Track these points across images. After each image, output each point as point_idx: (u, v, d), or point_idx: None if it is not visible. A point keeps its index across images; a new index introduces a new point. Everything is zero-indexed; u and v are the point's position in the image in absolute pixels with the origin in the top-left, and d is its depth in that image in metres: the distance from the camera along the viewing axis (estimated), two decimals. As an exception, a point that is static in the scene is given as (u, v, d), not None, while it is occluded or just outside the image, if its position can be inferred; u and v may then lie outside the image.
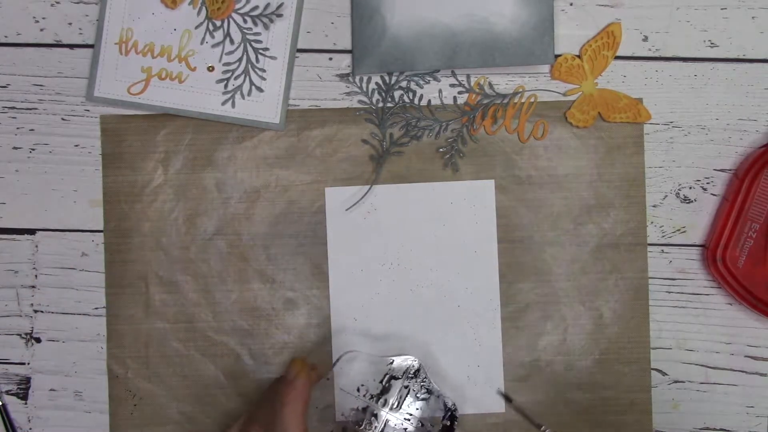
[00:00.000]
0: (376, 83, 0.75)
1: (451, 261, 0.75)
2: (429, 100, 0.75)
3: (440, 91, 0.75)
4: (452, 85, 0.75)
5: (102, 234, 0.76)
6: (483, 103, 0.74)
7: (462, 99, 0.75)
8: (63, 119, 0.75)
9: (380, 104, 0.75)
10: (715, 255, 0.73)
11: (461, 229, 0.75)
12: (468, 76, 0.75)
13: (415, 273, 0.75)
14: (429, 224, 0.75)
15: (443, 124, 0.75)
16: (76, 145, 0.75)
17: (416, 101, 0.75)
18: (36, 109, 0.75)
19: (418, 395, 0.71)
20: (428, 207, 0.75)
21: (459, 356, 0.75)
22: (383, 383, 0.72)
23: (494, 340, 0.75)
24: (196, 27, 0.74)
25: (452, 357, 0.75)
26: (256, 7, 0.74)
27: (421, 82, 0.75)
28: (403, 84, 0.75)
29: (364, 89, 0.75)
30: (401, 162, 0.75)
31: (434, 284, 0.75)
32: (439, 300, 0.75)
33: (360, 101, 0.75)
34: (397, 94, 0.75)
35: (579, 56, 0.74)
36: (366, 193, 0.75)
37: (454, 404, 0.71)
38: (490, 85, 0.75)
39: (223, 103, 0.74)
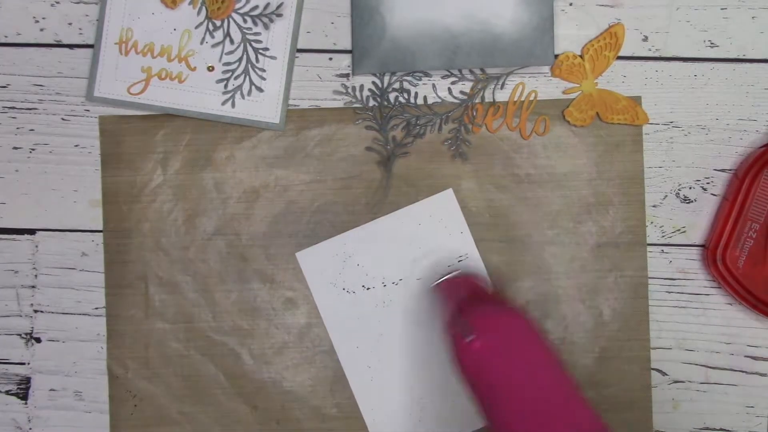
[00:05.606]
0: (369, 89, 0.74)
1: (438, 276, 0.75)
2: (425, 96, 0.74)
3: (434, 85, 0.74)
4: (444, 77, 0.74)
5: (102, 234, 0.76)
6: (479, 88, 0.74)
7: (456, 88, 0.74)
8: (63, 119, 0.75)
9: (377, 107, 0.74)
10: (715, 255, 0.73)
11: (439, 245, 0.75)
12: (460, 70, 0.74)
13: (405, 307, 0.75)
14: (406, 252, 0.75)
15: (443, 116, 0.75)
16: (76, 145, 0.75)
17: (412, 100, 0.75)
18: (36, 109, 0.75)
19: None
20: (399, 236, 0.75)
21: (459, 356, 0.75)
22: None
23: (494, 340, 0.75)
24: (196, 27, 0.74)
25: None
26: (256, 7, 0.74)
27: (414, 80, 0.74)
28: (396, 86, 0.74)
29: (359, 97, 0.75)
30: (409, 163, 0.75)
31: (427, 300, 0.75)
32: (435, 308, 0.75)
33: (357, 109, 0.75)
34: (391, 96, 0.75)
35: (580, 55, 0.74)
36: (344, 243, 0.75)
37: None
38: (482, 70, 0.74)
39: (223, 103, 0.74)
